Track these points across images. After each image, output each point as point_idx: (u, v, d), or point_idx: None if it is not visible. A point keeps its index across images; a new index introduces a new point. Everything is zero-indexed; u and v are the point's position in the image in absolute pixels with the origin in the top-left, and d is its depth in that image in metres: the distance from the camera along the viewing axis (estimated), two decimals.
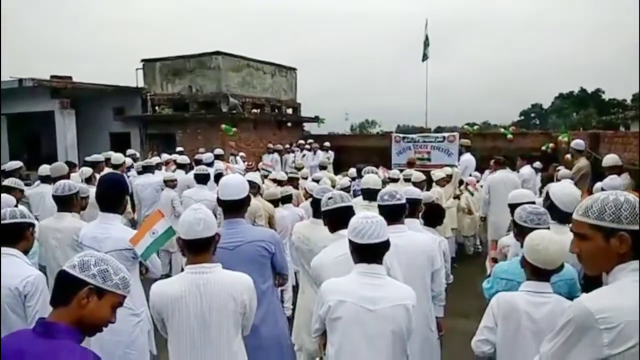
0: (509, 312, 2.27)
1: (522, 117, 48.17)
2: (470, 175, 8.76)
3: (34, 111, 13.35)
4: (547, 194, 3.25)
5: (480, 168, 9.37)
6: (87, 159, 8.13)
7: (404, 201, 3.11)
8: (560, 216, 2.99)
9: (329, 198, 2.91)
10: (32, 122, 14.41)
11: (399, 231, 2.98)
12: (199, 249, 2.26)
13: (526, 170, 7.99)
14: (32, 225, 2.78)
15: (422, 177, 6.62)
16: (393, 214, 3.02)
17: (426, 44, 15.32)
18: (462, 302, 4.90)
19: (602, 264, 1.50)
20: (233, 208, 2.93)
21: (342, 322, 2.23)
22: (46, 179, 5.95)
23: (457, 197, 7.57)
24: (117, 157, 7.61)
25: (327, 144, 14.08)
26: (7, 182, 4.82)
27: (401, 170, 8.07)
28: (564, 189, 3.21)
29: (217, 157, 9.39)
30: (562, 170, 6.70)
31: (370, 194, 4.52)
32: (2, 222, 2.63)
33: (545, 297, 2.23)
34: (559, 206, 3.03)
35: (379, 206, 3.10)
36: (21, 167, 6.60)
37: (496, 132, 14.69)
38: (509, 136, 13.30)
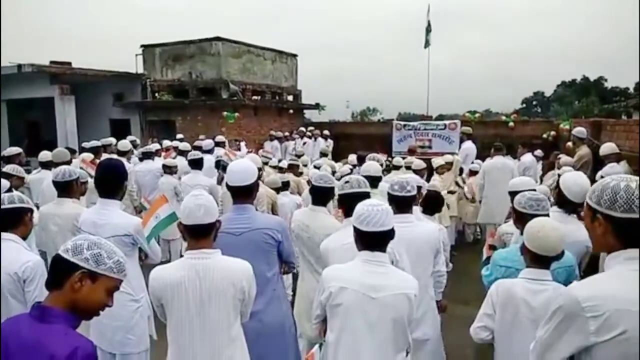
0: (507, 299, 2.28)
1: (524, 105, 47.97)
2: (473, 163, 8.73)
3: (34, 97, 13.30)
4: (558, 181, 3.22)
5: (481, 156, 9.34)
6: (85, 145, 8.14)
7: (414, 192, 3.14)
8: (567, 205, 2.97)
9: (346, 182, 2.89)
10: (32, 108, 14.36)
11: (407, 221, 3.01)
12: (199, 235, 2.26)
13: (527, 158, 7.99)
14: (31, 210, 2.79)
15: (423, 164, 6.60)
16: (402, 204, 3.05)
17: (428, 30, 15.19)
18: (461, 288, 4.92)
19: (595, 243, 1.55)
20: (241, 194, 2.91)
21: (343, 309, 2.23)
22: (47, 165, 5.95)
23: (457, 184, 7.57)
24: (124, 144, 7.65)
25: (326, 132, 14.03)
26: (6, 168, 4.80)
27: (403, 158, 8.05)
28: (576, 179, 3.08)
29: (218, 144, 9.35)
30: (564, 158, 6.69)
31: (371, 181, 4.51)
32: (2, 207, 2.63)
33: (544, 284, 2.24)
34: (567, 195, 2.99)
35: (389, 196, 3.11)
36: (20, 153, 6.56)
37: (498, 120, 14.63)
38: (511, 124, 13.24)
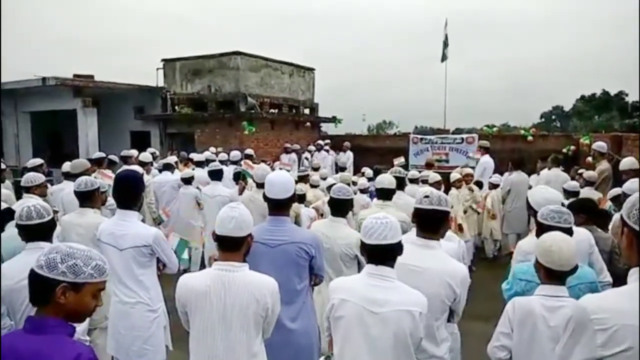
0: (524, 316, 2.23)
1: (543, 120, 47.41)
2: (491, 177, 8.66)
3: (57, 109, 13.63)
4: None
5: (499, 170, 9.25)
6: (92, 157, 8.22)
7: (446, 208, 2.72)
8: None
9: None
10: (55, 120, 14.72)
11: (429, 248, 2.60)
12: (227, 247, 2.28)
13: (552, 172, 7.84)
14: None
15: (438, 177, 6.57)
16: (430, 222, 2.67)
17: (445, 44, 15.15)
18: (480, 305, 4.83)
19: (623, 255, 1.60)
20: (280, 206, 2.95)
21: (344, 322, 2.21)
22: (69, 176, 6.07)
23: (471, 208, 7.44)
24: (145, 155, 7.84)
25: (347, 144, 14.04)
26: (25, 180, 4.72)
27: (419, 172, 8.02)
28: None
29: (247, 156, 9.54)
30: (587, 173, 6.58)
31: (384, 194, 4.49)
32: (40, 221, 2.71)
33: (561, 301, 2.19)
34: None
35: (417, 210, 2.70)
36: (42, 164, 6.69)
37: (516, 133, 14.47)
38: (529, 138, 13.08)
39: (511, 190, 7.60)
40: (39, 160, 6.66)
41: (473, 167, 9.38)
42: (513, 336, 2.28)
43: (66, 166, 6.25)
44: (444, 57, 15.23)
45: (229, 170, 7.88)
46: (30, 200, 3.88)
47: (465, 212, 7.06)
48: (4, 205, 3.52)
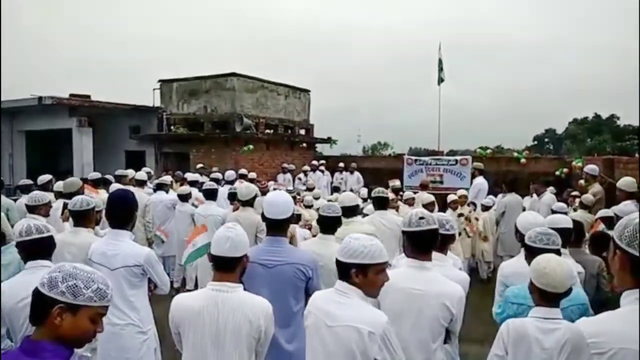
0: (518, 339, 2.22)
1: (536, 142, 47.85)
2: (485, 199, 8.70)
3: (53, 128, 13.64)
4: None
5: (493, 192, 9.30)
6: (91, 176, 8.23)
7: (453, 232, 2.90)
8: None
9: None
10: (50, 139, 14.71)
11: (440, 262, 2.73)
12: (222, 267, 2.26)
13: (547, 196, 7.89)
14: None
15: (431, 198, 6.59)
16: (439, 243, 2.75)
17: (440, 67, 15.38)
18: (474, 327, 4.80)
19: (615, 277, 1.53)
20: (278, 226, 2.95)
21: (308, 332, 2.28)
22: (62, 195, 6.04)
23: (465, 231, 7.46)
24: (141, 174, 7.91)
25: (341, 164, 14.06)
26: (31, 199, 4.70)
27: (414, 193, 8.06)
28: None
29: (242, 176, 9.62)
30: (585, 196, 6.61)
31: (348, 211, 4.36)
32: (39, 236, 2.72)
33: (555, 323, 2.19)
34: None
35: (410, 233, 2.66)
36: (51, 179, 6.75)
37: (509, 156, 14.59)
38: (522, 160, 13.19)
39: (505, 212, 7.63)
40: (48, 177, 6.75)
41: (467, 189, 9.44)
42: (507, 358, 2.26)
43: (59, 185, 6.23)
44: (440, 80, 15.43)
45: (223, 191, 7.90)
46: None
47: (459, 234, 7.07)
48: None
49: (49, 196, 4.98)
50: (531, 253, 2.73)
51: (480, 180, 9.54)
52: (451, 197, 7.39)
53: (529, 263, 2.79)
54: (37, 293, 1.53)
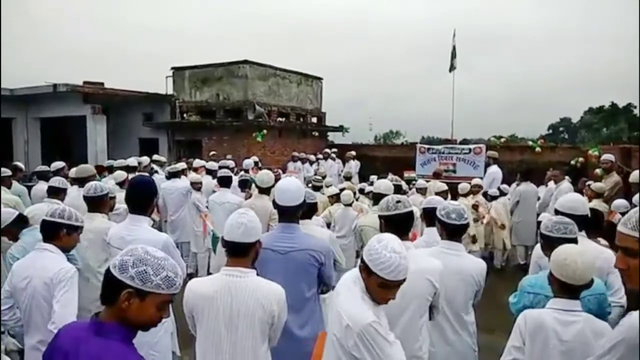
0: (536, 329, 2.19)
1: (551, 131, 47.25)
2: (499, 189, 8.62)
3: (67, 115, 13.77)
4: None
5: (507, 181, 9.22)
6: (115, 164, 8.45)
7: (469, 221, 2.97)
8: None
9: (398, 202, 2.71)
10: (64, 126, 14.86)
11: (456, 250, 2.88)
12: (236, 252, 2.28)
13: (565, 184, 7.79)
14: (67, 226, 2.86)
15: (444, 187, 6.55)
16: (456, 233, 2.89)
17: (453, 54, 15.20)
18: (486, 316, 4.79)
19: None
20: (290, 213, 2.95)
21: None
22: (75, 181, 6.12)
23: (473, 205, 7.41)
24: (131, 160, 8.19)
25: (352, 153, 14.07)
26: (52, 182, 4.81)
27: (427, 181, 8.02)
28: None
29: (254, 163, 9.82)
30: (595, 184, 6.51)
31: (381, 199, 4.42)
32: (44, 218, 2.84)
33: (575, 315, 2.15)
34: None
35: (443, 223, 2.88)
36: (64, 167, 7.00)
37: (524, 145, 14.42)
38: (537, 149, 13.02)
39: (520, 201, 7.59)
40: (61, 164, 7.02)
41: (481, 178, 9.37)
42: (525, 350, 2.24)
43: (72, 172, 6.32)
44: (452, 68, 15.26)
45: (235, 178, 7.94)
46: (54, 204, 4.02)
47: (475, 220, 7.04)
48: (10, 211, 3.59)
49: (67, 183, 5.10)
50: (548, 242, 2.71)
51: (494, 169, 9.45)
52: (465, 186, 7.32)
53: (546, 253, 2.78)
54: (108, 273, 1.54)
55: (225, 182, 6.43)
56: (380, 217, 2.77)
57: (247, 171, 8.93)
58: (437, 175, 8.58)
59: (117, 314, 1.53)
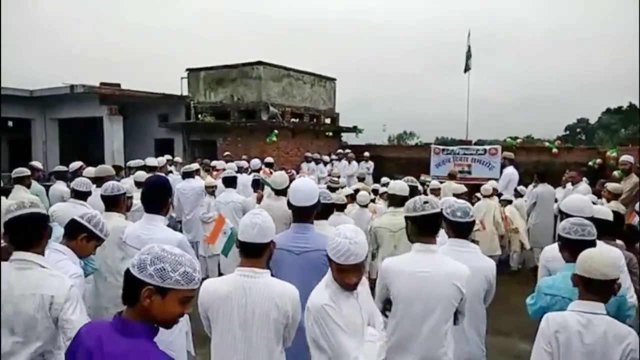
0: (559, 332, 2.17)
1: (567, 132, 46.58)
2: (516, 190, 8.52)
3: (84, 117, 13.96)
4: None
5: (523, 183, 9.11)
6: (132, 163, 8.56)
7: (474, 218, 2.96)
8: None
9: (425, 202, 2.65)
10: (81, 127, 15.07)
11: (464, 247, 2.85)
12: (250, 253, 2.29)
13: (583, 186, 7.69)
14: (86, 231, 2.89)
15: (463, 188, 6.50)
16: (462, 231, 2.89)
17: (468, 55, 15.06)
18: (502, 319, 4.74)
19: None
20: (304, 213, 2.96)
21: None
22: (92, 181, 6.20)
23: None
24: (136, 162, 8.43)
25: (366, 154, 14.05)
26: (76, 184, 4.82)
27: (441, 182, 7.97)
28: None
29: (268, 164, 9.90)
30: (611, 185, 6.40)
31: (396, 200, 4.39)
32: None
33: (597, 318, 2.12)
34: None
35: (449, 221, 2.86)
36: (81, 166, 7.18)
37: (540, 146, 14.24)
38: (554, 150, 12.84)
39: (537, 203, 7.47)
40: (78, 164, 7.24)
41: (496, 179, 9.28)
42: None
43: (89, 171, 6.41)
44: (467, 68, 15.12)
45: (247, 178, 7.97)
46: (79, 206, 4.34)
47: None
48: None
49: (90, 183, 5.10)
50: (566, 244, 2.67)
51: (510, 170, 9.33)
52: (488, 188, 7.25)
53: (564, 255, 2.74)
54: (128, 274, 1.56)
55: (229, 182, 6.47)
56: (406, 218, 2.72)
57: (256, 171, 8.97)
58: (452, 177, 8.51)
59: (140, 312, 1.55)
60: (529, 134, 30.57)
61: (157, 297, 1.53)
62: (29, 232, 2.37)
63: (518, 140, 14.11)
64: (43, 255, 2.42)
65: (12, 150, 15.35)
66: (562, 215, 3.20)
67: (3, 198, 5.01)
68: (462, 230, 2.86)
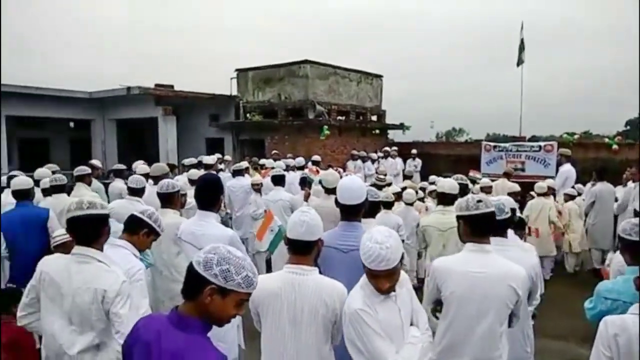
0: (618, 335, 2.08)
1: (628, 127, 44.00)
2: (573, 187, 8.15)
3: (140, 117, 14.58)
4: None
5: (581, 181, 8.71)
6: (185, 162, 8.86)
7: (509, 215, 2.94)
8: None
9: (479, 201, 2.60)
10: (138, 127, 15.74)
11: (501, 244, 2.78)
12: (298, 250, 2.33)
13: None
14: (147, 227, 3.01)
15: (517, 187, 6.30)
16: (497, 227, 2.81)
17: (522, 48, 14.50)
18: (558, 322, 4.57)
19: None
20: (352, 211, 2.98)
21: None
22: (148, 178, 6.46)
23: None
24: (190, 160, 8.77)
25: (414, 151, 13.85)
26: (131, 182, 5.03)
27: (493, 180, 7.76)
28: None
29: (315, 162, 10.11)
30: None
31: (446, 199, 4.33)
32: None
33: None
34: None
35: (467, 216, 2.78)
36: (125, 168, 7.62)
37: (599, 142, 13.54)
38: (615, 147, 12.16)
39: (595, 202, 7.12)
40: (121, 166, 7.75)
41: (553, 177, 8.92)
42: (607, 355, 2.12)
43: (144, 168, 6.71)
44: (519, 62, 14.58)
45: (295, 176, 8.05)
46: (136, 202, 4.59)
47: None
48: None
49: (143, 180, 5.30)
50: (626, 247, 2.55)
51: (567, 168, 8.90)
52: (542, 185, 7.00)
53: (625, 258, 2.61)
54: (191, 268, 1.61)
55: (277, 180, 6.55)
56: (458, 217, 2.66)
57: (301, 168, 9.06)
58: (507, 175, 8.21)
59: (198, 308, 1.60)
60: (587, 130, 29.18)
61: (218, 297, 1.58)
62: (87, 232, 2.48)
63: (575, 137, 13.48)
64: (102, 250, 2.53)
65: (73, 149, 16.29)
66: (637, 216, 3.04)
67: (65, 195, 5.31)
68: (498, 227, 2.79)
